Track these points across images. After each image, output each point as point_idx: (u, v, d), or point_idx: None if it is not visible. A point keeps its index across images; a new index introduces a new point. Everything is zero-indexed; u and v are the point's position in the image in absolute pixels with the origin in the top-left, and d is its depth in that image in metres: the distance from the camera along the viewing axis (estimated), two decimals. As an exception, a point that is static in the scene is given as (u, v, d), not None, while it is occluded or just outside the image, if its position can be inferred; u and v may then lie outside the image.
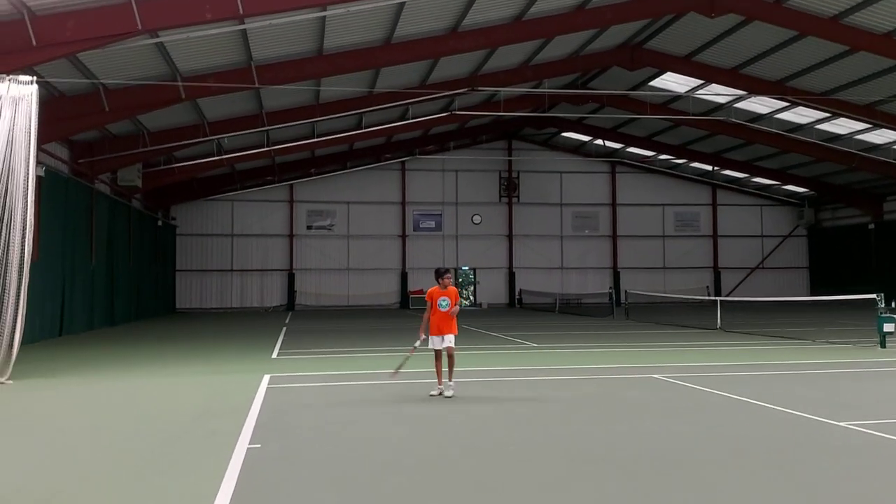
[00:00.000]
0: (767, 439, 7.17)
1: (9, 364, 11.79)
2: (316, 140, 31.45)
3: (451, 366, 9.76)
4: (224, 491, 5.41)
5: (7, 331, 12.12)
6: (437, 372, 9.69)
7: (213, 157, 30.21)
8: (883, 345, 15.74)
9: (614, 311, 30.75)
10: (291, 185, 41.44)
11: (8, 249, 12.15)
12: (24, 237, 12.15)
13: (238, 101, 23.85)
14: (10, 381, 11.48)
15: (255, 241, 41.04)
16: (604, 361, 13.96)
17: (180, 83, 19.56)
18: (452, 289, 9.89)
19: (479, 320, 28.69)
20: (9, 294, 12.15)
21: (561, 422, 8.16)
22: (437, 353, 9.68)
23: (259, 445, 6.90)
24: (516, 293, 42.83)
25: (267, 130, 27.88)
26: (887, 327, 15.84)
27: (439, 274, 9.93)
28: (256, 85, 20.43)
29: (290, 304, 40.62)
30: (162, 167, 30.01)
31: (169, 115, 23.44)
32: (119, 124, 23.40)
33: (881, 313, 15.98)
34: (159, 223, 34.66)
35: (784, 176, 41.17)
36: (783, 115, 31.16)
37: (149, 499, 5.36)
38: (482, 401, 9.75)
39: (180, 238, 39.42)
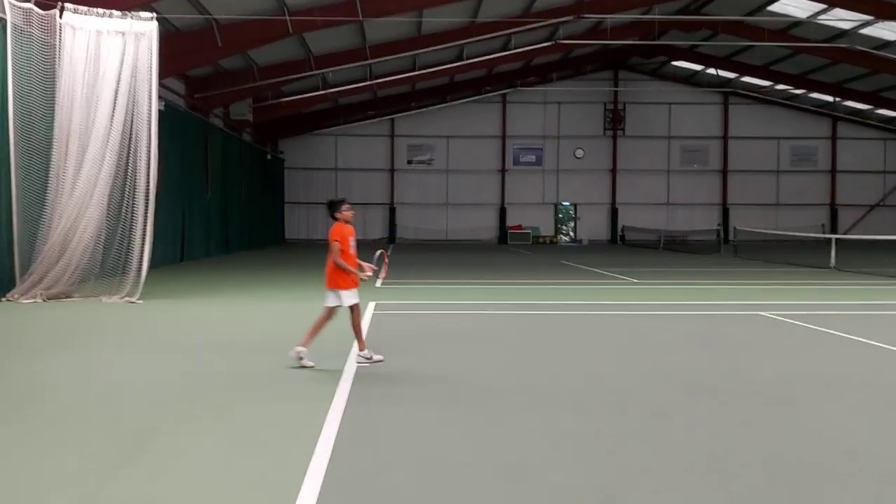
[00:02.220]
0: (880, 378, 6.95)
1: (138, 286, 12.78)
2: (417, 73, 31.48)
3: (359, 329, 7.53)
4: (340, 396, 5.85)
5: (136, 256, 13.12)
6: (316, 331, 7.36)
7: (318, 91, 30.80)
8: None
9: (722, 249, 29.82)
10: (392, 120, 41.82)
11: (135, 180, 13.02)
12: (148, 168, 12.96)
13: (342, 34, 24.10)
14: (141, 301, 12.45)
15: (358, 175, 41.89)
16: (709, 298, 13.70)
17: (288, 17, 19.93)
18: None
19: (580, 256, 28.53)
20: (136, 222, 13.08)
21: (663, 355, 8.16)
22: (330, 312, 7.38)
23: (367, 364, 7.29)
24: (619, 229, 42.12)
25: (370, 64, 28.12)
26: None
27: (337, 207, 7.41)
28: (360, 18, 20.55)
29: (392, 237, 41.54)
30: (270, 102, 30.89)
31: (277, 49, 24.00)
32: (231, 59, 24.18)
33: None
34: (268, 156, 35.90)
35: (914, 107, 38.18)
36: (916, 41, 28.71)
37: (277, 399, 5.81)
38: (582, 333, 9.85)
39: (288, 171, 40.73)
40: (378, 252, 7.73)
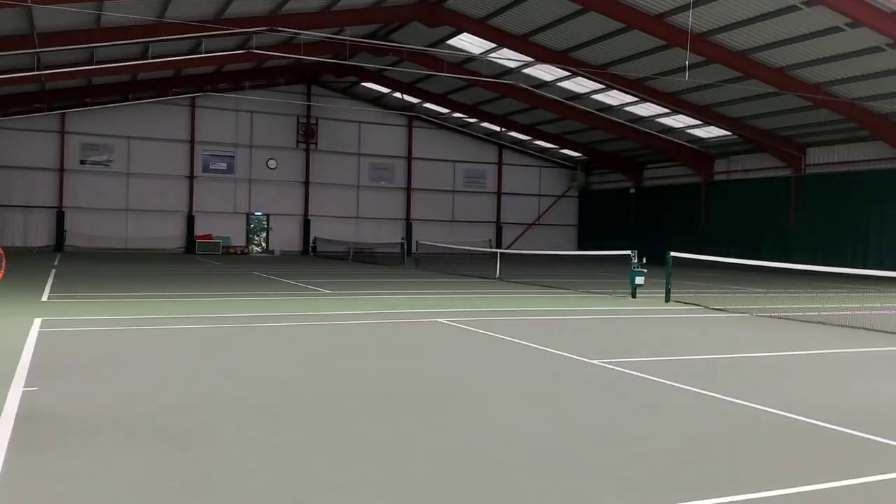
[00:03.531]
0: (532, 375, 8.13)
1: None
2: (94, 67, 28.94)
3: None
4: (0, 435, 5.22)
5: None
6: None
7: (-30, 77, 26.78)
8: (634, 295, 17.95)
9: (405, 261, 31.85)
10: (63, 115, 37.77)
11: None
12: None
13: (5, 17, 21.29)
14: None
15: (19, 173, 37.10)
16: (393, 307, 14.64)
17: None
18: None
19: (272, 267, 28.42)
20: None
21: (348, 362, 8.62)
22: None
23: (36, 388, 6.63)
24: (311, 241, 42.72)
25: (38, 53, 25.15)
26: (638, 280, 18.06)
27: None
28: (28, 3, 18.37)
29: (59, 245, 37.40)
30: None
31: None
32: None
33: (634, 268, 18.18)
34: None
35: (562, 140, 44.47)
36: (564, 84, 33.58)
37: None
38: (271, 344, 9.96)
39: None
40: None
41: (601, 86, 32.53)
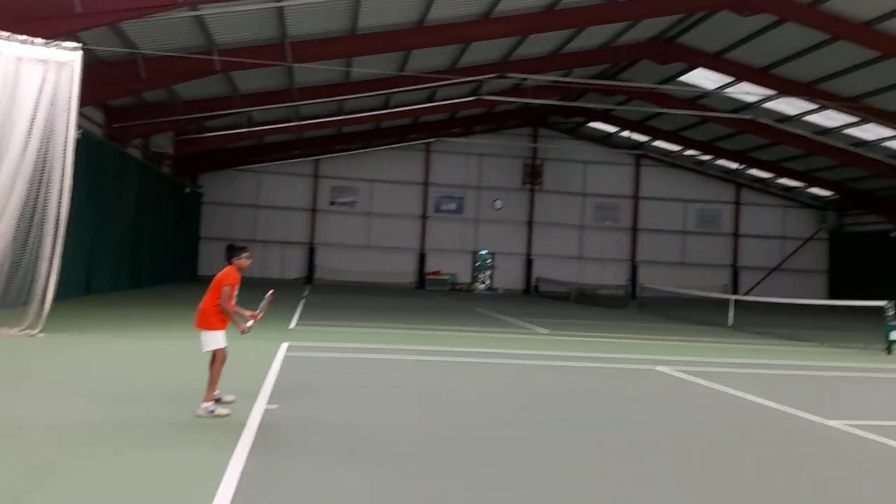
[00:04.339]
0: (756, 433, 7.51)
1: (40, 318, 12.39)
2: (343, 117, 31.88)
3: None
4: (242, 444, 5.87)
5: (40, 286, 12.72)
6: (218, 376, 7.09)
7: (243, 128, 30.73)
8: (889, 351, 15.93)
9: (629, 304, 30.97)
10: (317, 161, 41.98)
11: (46, 209, 12.72)
12: (60, 197, 12.70)
13: (270, 75, 24.27)
14: (42, 335, 12.08)
15: (279, 213, 41.68)
16: (611, 351, 14.30)
17: (215, 57, 20.00)
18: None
19: (494, 304, 29.09)
20: (44, 252, 12.73)
21: (558, 405, 8.55)
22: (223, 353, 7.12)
23: (276, 406, 7.37)
24: (533, 280, 43.16)
25: (296, 105, 28.32)
26: (895, 335, 16.01)
27: (237, 253, 7.49)
28: (289, 62, 20.82)
29: (309, 278, 41.29)
30: (192, 136, 30.57)
31: (202, 85, 23.94)
32: (154, 92, 23.93)
33: (889, 321, 16.14)
34: (187, 190, 35.33)
35: (809, 178, 40.92)
36: (811, 118, 31.01)
37: (171, 447, 5.83)
38: (487, 380, 10.17)
39: (206, 206, 40.12)
40: (268, 292, 7.51)
41: (854, 119, 29.60)
